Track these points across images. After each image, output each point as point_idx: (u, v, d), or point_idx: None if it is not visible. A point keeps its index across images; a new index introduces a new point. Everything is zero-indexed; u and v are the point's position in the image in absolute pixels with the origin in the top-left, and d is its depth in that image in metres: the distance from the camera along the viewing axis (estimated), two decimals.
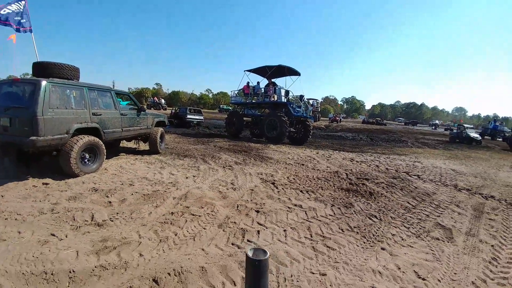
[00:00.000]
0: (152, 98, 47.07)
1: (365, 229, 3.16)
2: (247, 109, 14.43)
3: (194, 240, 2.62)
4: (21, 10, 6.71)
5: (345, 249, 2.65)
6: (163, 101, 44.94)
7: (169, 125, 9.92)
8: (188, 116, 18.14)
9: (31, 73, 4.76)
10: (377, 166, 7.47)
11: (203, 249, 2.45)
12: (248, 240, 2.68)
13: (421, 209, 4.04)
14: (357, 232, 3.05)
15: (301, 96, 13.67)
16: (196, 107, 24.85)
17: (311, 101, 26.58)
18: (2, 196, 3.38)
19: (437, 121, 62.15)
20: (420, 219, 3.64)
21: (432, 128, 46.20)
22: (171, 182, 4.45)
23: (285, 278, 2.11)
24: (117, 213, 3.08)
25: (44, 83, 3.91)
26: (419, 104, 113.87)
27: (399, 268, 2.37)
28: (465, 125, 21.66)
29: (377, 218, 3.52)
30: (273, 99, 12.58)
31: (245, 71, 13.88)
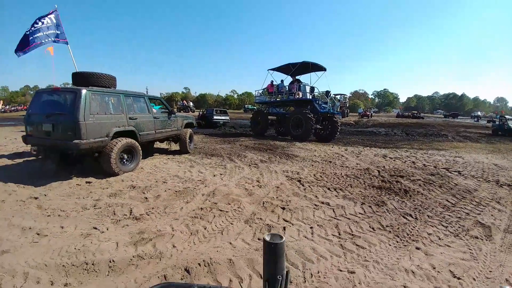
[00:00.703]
0: (181, 102, 49.39)
1: (398, 228, 2.99)
2: (272, 107, 14.42)
3: (222, 234, 2.73)
4: (55, 22, 7.17)
5: (376, 248, 2.54)
6: (191, 104, 46.94)
7: (197, 126, 10.33)
8: (215, 117, 18.70)
9: (71, 82, 5.26)
10: (413, 162, 6.97)
11: (230, 243, 2.54)
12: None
13: (461, 207, 3.72)
14: (390, 231, 2.90)
15: (327, 92, 13.27)
16: (222, 108, 25.48)
17: (338, 97, 25.68)
18: (45, 195, 3.72)
19: (479, 113, 56.07)
20: (459, 217, 3.36)
21: (474, 121, 42.03)
22: (200, 180, 4.66)
23: (311, 274, 2.10)
24: (153, 208, 3.32)
25: (84, 91, 4.30)
26: (459, 95, 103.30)
27: (434, 268, 2.21)
28: (507, 116, 19.21)
29: (412, 217, 3.30)
30: (297, 96, 12.40)
31: (269, 70, 13.89)
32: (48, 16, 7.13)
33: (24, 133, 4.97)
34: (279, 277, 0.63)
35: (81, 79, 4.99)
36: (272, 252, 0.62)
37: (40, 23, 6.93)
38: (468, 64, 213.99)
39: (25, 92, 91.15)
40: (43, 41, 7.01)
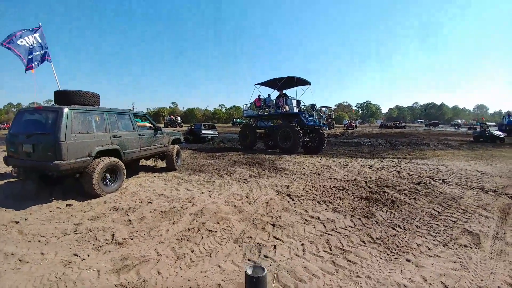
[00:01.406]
0: (169, 117, 48.96)
1: (388, 240, 2.99)
2: (260, 121, 14.57)
3: (210, 256, 2.61)
4: (40, 42, 7.08)
5: (368, 262, 2.51)
6: (179, 118, 46.59)
7: (184, 141, 10.18)
8: (203, 132, 18.58)
9: (53, 100, 5.12)
10: (398, 172, 7.14)
11: (219, 266, 2.43)
12: (264, 256, 2.63)
13: (448, 215, 3.80)
14: (380, 244, 2.90)
15: (313, 105, 13.61)
16: (210, 123, 25.43)
17: (323, 109, 26.35)
18: (26, 219, 3.53)
19: (459, 121, 59.19)
20: (447, 226, 3.41)
21: (455, 128, 44.27)
22: (187, 198, 4.52)
23: None
24: (137, 231, 3.16)
25: (66, 110, 4.17)
26: (439, 104, 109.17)
27: (426, 280, 2.20)
28: (487, 123, 20.44)
29: (401, 228, 3.33)
30: (284, 110, 12.63)
31: (256, 85, 14.15)
32: (34, 35, 7.06)
33: (5, 154, 4.73)
34: None
35: (64, 97, 4.85)
36: (254, 286, 0.59)
37: (30, 41, 6.85)
38: (447, 74, 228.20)
39: (8, 109, 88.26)
40: (45, 57, 7.06)
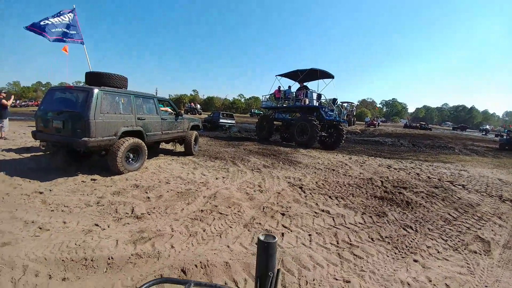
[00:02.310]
0: (189, 104, 49.98)
1: (397, 239, 2.97)
2: (278, 113, 14.49)
3: (220, 237, 2.76)
4: (70, 22, 7.30)
5: (373, 258, 2.53)
6: (198, 106, 47.41)
7: (203, 128, 10.44)
8: (221, 120, 18.86)
9: (84, 81, 5.42)
10: (417, 174, 6.89)
11: (228, 246, 2.57)
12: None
13: (463, 221, 3.69)
14: (389, 243, 2.88)
15: (334, 100, 13.26)
16: (229, 112, 25.68)
17: (345, 105, 25.56)
18: (50, 190, 3.80)
19: (487, 126, 55.09)
20: (460, 231, 3.33)
21: (482, 134, 41.46)
22: (202, 182, 4.71)
23: (307, 281, 2.11)
24: (154, 208, 3.39)
25: (96, 91, 4.43)
26: (469, 107, 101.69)
27: (430, 281, 2.19)
28: None
29: (412, 229, 3.28)
30: (304, 103, 12.44)
31: (277, 76, 14.00)
32: (67, 14, 7.36)
33: (34, 129, 5.12)
34: (271, 274, 0.68)
35: (94, 78, 5.13)
36: (265, 250, 0.67)
37: (60, 19, 7.14)
38: (479, 76, 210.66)
39: (37, 88, 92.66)
40: (76, 39, 7.27)
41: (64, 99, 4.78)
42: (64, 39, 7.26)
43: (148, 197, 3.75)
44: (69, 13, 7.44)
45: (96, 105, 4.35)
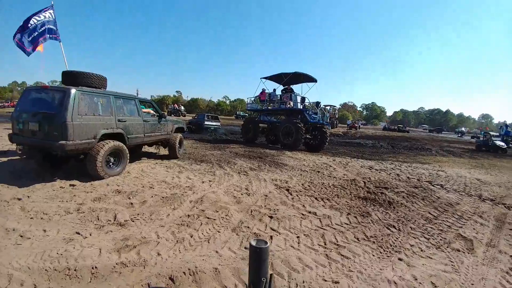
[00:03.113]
0: (172, 105, 48.90)
1: (382, 239, 3.06)
2: (263, 115, 14.58)
3: (208, 242, 2.70)
4: (48, 19, 6.83)
5: (360, 258, 2.59)
6: (182, 108, 46.50)
7: (187, 131, 10.26)
8: (206, 123, 18.63)
9: (61, 80, 5.11)
10: (397, 174, 7.20)
11: (217, 251, 2.52)
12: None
13: (443, 220, 3.87)
14: (374, 242, 2.97)
15: (318, 103, 13.58)
16: (214, 114, 25.44)
17: (328, 108, 26.25)
18: (29, 196, 3.59)
19: (463, 129, 59.00)
20: (441, 230, 3.49)
21: (458, 136, 44.27)
22: (188, 186, 4.60)
23: (296, 284, 2.11)
24: (138, 214, 3.25)
25: (73, 91, 4.19)
26: (444, 110, 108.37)
27: (416, 279, 2.28)
28: (491, 133, 20.45)
29: (395, 228, 3.40)
30: (288, 105, 12.62)
31: (261, 78, 14.08)
32: (46, 11, 6.95)
33: (11, 131, 4.78)
34: (263, 279, 0.66)
35: (71, 78, 4.85)
36: (257, 256, 0.66)
37: (40, 18, 6.73)
38: (454, 80, 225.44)
39: (13, 88, 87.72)
40: (47, 35, 6.85)
41: (40, 99, 4.50)
42: (51, 36, 6.84)
43: (131, 203, 3.60)
44: (47, 10, 7.04)
45: (73, 106, 4.12)
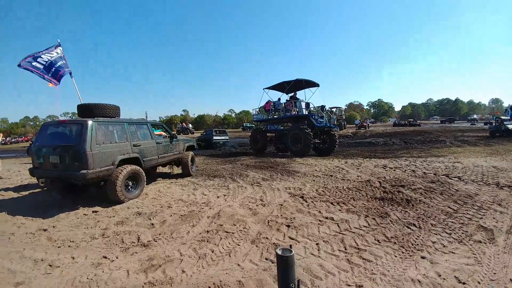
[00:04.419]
0: (180, 124, 50.06)
1: (403, 238, 3.03)
2: (270, 125, 14.74)
3: (229, 256, 2.76)
4: (58, 56, 7.44)
5: (382, 260, 2.58)
6: (190, 126, 47.53)
7: (197, 147, 10.51)
8: (214, 138, 18.96)
9: (77, 113, 5.44)
10: (413, 171, 7.06)
11: (238, 265, 2.57)
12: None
13: (463, 213, 3.79)
14: (395, 243, 2.94)
15: (323, 107, 13.63)
16: (221, 128, 25.84)
17: (333, 110, 26.11)
18: (54, 226, 3.76)
19: (475, 116, 56.91)
20: (462, 223, 3.42)
21: (471, 124, 42.80)
22: (204, 202, 4.71)
23: None
24: (160, 234, 3.37)
25: (90, 122, 4.46)
26: (453, 99, 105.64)
27: (440, 275, 2.25)
28: (502, 117, 19.65)
29: (416, 227, 3.35)
30: (294, 112, 12.73)
31: (264, 89, 14.35)
32: (57, 48, 7.51)
33: (31, 166, 5.06)
34: (292, 285, 0.74)
35: (87, 110, 5.18)
36: (284, 264, 0.74)
37: (52, 54, 7.29)
38: (461, 68, 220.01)
39: (25, 123, 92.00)
40: (66, 69, 7.42)
41: (58, 133, 4.79)
42: (54, 79, 7.36)
43: (152, 224, 3.73)
44: (56, 48, 7.59)
45: (91, 136, 4.37)
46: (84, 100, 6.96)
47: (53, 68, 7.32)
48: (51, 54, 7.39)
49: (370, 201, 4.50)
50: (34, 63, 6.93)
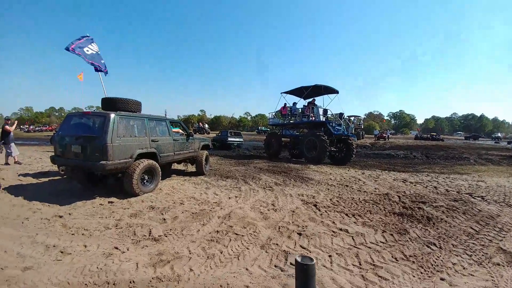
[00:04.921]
0: (197, 124, 50.99)
1: (422, 258, 2.84)
2: (285, 129, 14.60)
3: (238, 259, 2.72)
4: (98, 52, 7.85)
5: (399, 279, 2.42)
6: (206, 126, 48.25)
7: (212, 147, 10.65)
8: (229, 139, 19.10)
9: (96, 106, 5.63)
10: (435, 187, 6.67)
11: (247, 269, 2.51)
12: (291, 263, 2.65)
13: (485, 234, 3.59)
14: (413, 262, 2.76)
15: (341, 114, 13.32)
16: (236, 130, 26.01)
17: (352, 118, 25.48)
18: (70, 214, 3.87)
19: (499, 134, 53.75)
20: (483, 245, 3.21)
21: (495, 142, 40.80)
22: (216, 202, 4.71)
23: None
24: (170, 230, 3.39)
25: (113, 115, 4.60)
26: (478, 116, 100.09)
27: None
28: None
29: (436, 246, 3.13)
30: (311, 118, 12.53)
31: (282, 93, 14.26)
32: (93, 44, 7.84)
33: (53, 154, 5.26)
34: None
35: (110, 104, 5.35)
36: (305, 273, 0.68)
37: (94, 47, 7.69)
38: (486, 84, 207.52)
39: (50, 113, 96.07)
40: (95, 62, 7.72)
41: (81, 124, 4.95)
42: (101, 68, 7.75)
43: (164, 219, 3.77)
44: (92, 42, 7.92)
45: (113, 129, 4.50)
46: (108, 94, 7.27)
47: (102, 60, 7.76)
48: (92, 47, 7.76)
49: (388, 216, 4.29)
50: (85, 49, 7.36)
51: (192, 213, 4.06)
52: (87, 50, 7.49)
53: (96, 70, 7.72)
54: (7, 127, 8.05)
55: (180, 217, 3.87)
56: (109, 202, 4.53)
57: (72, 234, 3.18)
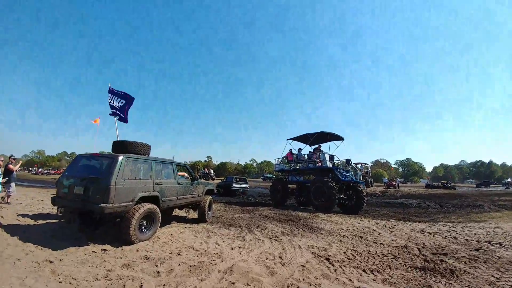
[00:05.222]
0: (203, 169, 51.08)
1: None
2: (292, 176, 14.32)
3: None
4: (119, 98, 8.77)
5: None
6: (212, 171, 48.14)
7: (216, 193, 10.36)
8: (234, 185, 18.73)
9: (111, 149, 5.71)
10: (454, 237, 6.11)
11: None
12: None
13: (505, 280, 3.48)
14: None
15: (348, 160, 13.13)
16: (241, 176, 25.75)
17: (359, 166, 25.08)
18: (60, 259, 3.59)
19: (509, 179, 52.65)
20: None
21: (505, 188, 41.13)
22: (217, 253, 4.29)
23: None
24: (164, 285, 3.00)
25: (121, 157, 4.58)
26: (487, 162, 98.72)
27: None
28: None
29: None
30: (318, 164, 12.36)
31: (288, 140, 14.49)
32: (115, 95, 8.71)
33: (54, 195, 5.14)
34: None
35: (121, 146, 5.42)
36: None
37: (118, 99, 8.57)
38: (492, 129, 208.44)
39: (61, 157, 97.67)
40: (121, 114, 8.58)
41: (89, 166, 4.90)
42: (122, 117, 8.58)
43: (158, 272, 3.38)
44: (114, 93, 8.70)
45: (119, 171, 4.42)
46: (121, 137, 7.60)
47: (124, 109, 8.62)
48: (117, 99, 8.59)
49: (410, 271, 3.78)
50: (116, 111, 8.40)
51: (190, 265, 3.65)
52: (116, 104, 8.36)
53: (114, 115, 8.31)
54: (10, 166, 8.07)
55: (176, 270, 3.47)
56: (102, 249, 4.17)
57: (60, 282, 2.92)
